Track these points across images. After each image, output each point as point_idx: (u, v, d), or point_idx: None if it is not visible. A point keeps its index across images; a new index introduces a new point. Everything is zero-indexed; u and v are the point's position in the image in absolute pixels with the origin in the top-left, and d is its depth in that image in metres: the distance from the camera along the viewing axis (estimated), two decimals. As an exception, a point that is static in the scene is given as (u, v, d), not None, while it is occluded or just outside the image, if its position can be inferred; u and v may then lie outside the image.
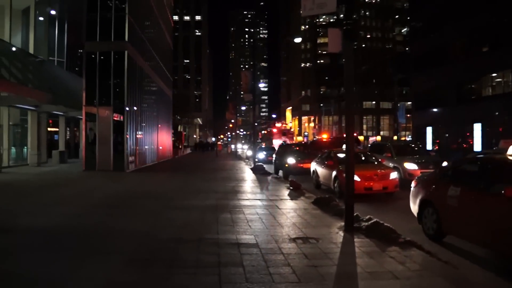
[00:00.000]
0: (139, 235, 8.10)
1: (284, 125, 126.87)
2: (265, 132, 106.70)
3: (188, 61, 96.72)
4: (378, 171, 14.10)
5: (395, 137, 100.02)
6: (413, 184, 9.38)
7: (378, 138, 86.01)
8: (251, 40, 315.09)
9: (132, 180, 20.07)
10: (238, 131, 71.30)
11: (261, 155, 35.09)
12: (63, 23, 30.75)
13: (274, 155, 26.84)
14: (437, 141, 46.32)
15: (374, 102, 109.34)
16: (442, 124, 47.38)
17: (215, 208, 11.25)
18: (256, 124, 36.56)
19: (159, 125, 37.00)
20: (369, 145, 22.88)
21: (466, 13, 39.66)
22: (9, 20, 24.36)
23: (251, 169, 25.96)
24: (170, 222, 9.31)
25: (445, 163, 16.60)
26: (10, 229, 8.43)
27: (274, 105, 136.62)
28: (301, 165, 20.95)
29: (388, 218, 9.43)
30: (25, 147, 26.72)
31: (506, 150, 8.84)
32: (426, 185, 8.80)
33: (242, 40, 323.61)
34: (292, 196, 13.82)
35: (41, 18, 27.98)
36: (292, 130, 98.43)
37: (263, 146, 45.21)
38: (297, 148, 25.55)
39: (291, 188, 15.50)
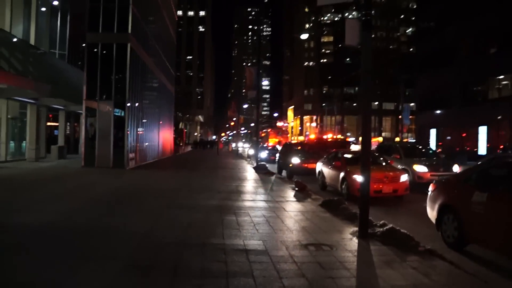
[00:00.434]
0: (138, 236, 7.55)
1: (285, 124, 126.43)
2: (265, 131, 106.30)
3: (191, 57, 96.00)
4: (388, 173, 13.53)
5: (397, 139, 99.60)
6: (431, 188, 8.81)
7: (380, 139, 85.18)
8: (255, 38, 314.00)
9: (131, 178, 19.50)
10: (239, 130, 70.72)
11: (263, 154, 34.54)
12: (66, 15, 30.16)
13: (277, 155, 26.29)
14: (440, 143, 45.83)
15: (376, 103, 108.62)
16: (446, 126, 46.89)
17: (219, 209, 10.69)
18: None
19: (161, 122, 36.44)
20: (376, 146, 22.27)
21: (473, 14, 39.20)
22: (10, 10, 23.70)
23: (254, 168, 25.41)
24: (171, 223, 8.77)
25: (456, 166, 16.07)
26: (-1, 227, 7.90)
27: (275, 104, 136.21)
28: (306, 165, 20.42)
29: (400, 223, 8.90)
30: (24, 141, 26.16)
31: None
32: (446, 190, 8.25)
33: (245, 37, 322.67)
34: (298, 198, 13.26)
35: (43, 9, 27.37)
36: (286, 130, 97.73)
37: (265, 145, 44.60)
38: (300, 147, 25.01)
39: (296, 189, 14.95)
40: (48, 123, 31.62)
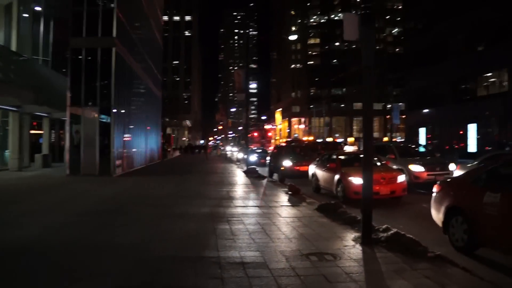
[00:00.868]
0: (128, 251, 6.98)
1: (273, 126, 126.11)
2: (251, 135, 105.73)
3: (177, 62, 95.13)
4: (385, 174, 13.06)
5: (385, 138, 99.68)
6: (435, 188, 8.35)
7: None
8: (241, 42, 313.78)
9: (118, 186, 18.83)
10: (228, 133, 70.15)
11: (253, 157, 34.02)
12: (49, 21, 29.37)
13: (268, 158, 25.78)
14: (429, 142, 45.68)
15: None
16: (435, 125, 46.82)
17: (210, 217, 10.14)
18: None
19: (148, 127, 35.76)
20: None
21: (461, 12, 39.09)
22: (-11, 17, 23.02)
23: (244, 172, 24.87)
24: (161, 235, 8.18)
25: (452, 165, 15.68)
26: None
27: (263, 107, 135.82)
28: (298, 168, 20.01)
29: (402, 227, 8.45)
30: (6, 150, 25.35)
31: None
32: (452, 191, 7.79)
33: (231, 41, 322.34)
34: (293, 202, 12.76)
35: (25, 15, 26.56)
36: (270, 134, 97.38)
37: (254, 148, 44.08)
38: (291, 150, 24.55)
39: (289, 193, 14.45)
40: (32, 131, 30.79)
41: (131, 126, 28.18)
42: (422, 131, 49.31)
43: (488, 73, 38.45)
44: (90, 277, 5.67)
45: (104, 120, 23.08)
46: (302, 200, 13.01)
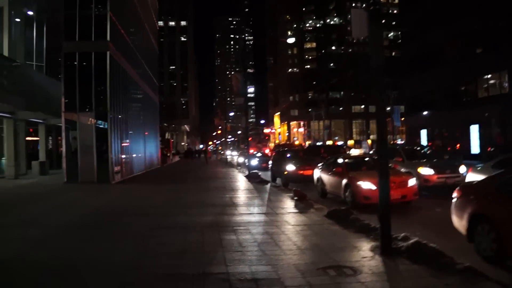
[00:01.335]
0: (124, 269, 6.34)
1: (272, 130, 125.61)
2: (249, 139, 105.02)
3: (174, 67, 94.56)
4: (395, 177, 12.35)
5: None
6: (456, 194, 7.77)
7: (369, 141, 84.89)
8: (237, 47, 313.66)
9: (117, 193, 18.24)
10: (226, 138, 69.59)
11: (254, 161, 33.36)
12: (42, 26, 28.79)
13: (270, 162, 25.16)
14: (429, 143, 45.20)
15: (362, 106, 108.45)
16: (436, 126, 46.43)
17: (215, 226, 9.53)
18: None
19: (146, 133, 35.14)
20: (375, 150, 21.21)
21: (458, 16, 38.78)
22: (-20, 22, 22.42)
23: (246, 177, 24.26)
24: (163, 248, 7.52)
25: (462, 167, 15.11)
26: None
27: (261, 111, 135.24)
28: (302, 172, 19.36)
29: (419, 233, 7.84)
30: (2, 158, 24.72)
31: None
32: (476, 197, 7.21)
33: (227, 46, 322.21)
34: (300, 208, 12.15)
35: (17, 20, 26.03)
36: (265, 138, 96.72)
37: (255, 153, 43.44)
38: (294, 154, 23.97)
39: (295, 198, 13.84)
40: (30, 138, 30.22)
41: (129, 132, 27.58)
42: (424, 133, 48.91)
43: (488, 75, 38.17)
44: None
45: (101, 126, 22.50)
46: (310, 206, 12.41)
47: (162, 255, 7.07)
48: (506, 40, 33.18)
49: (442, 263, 6.16)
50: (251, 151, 45.19)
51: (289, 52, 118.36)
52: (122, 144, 25.17)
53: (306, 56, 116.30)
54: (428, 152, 17.80)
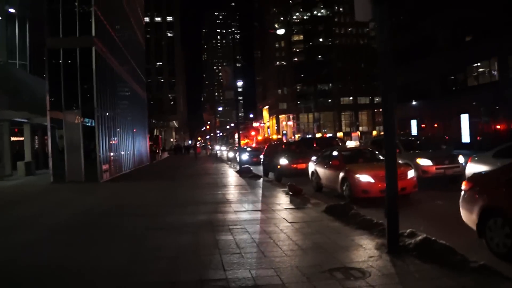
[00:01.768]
0: (112, 277, 5.84)
1: (261, 124, 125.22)
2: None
3: (161, 63, 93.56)
4: (393, 169, 12.02)
5: (374, 132, 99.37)
6: (464, 186, 7.37)
7: (358, 133, 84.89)
8: (224, 42, 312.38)
9: (106, 192, 17.70)
10: (215, 132, 69.02)
11: (245, 156, 32.95)
12: (25, 23, 28.04)
13: (262, 156, 24.73)
14: (429, 134, 45.05)
15: (351, 98, 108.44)
16: (426, 116, 46.29)
17: (209, 225, 9.08)
18: (233, 124, 34.40)
19: (135, 130, 34.50)
20: (371, 141, 20.88)
21: (448, 4, 38.51)
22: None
23: (237, 172, 23.82)
24: (155, 252, 7.04)
25: (461, 157, 14.79)
26: None
27: (249, 105, 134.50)
28: (295, 165, 18.99)
29: (422, 228, 7.41)
30: (-15, 159, 24.06)
31: None
32: (488, 189, 6.82)
33: (214, 41, 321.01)
34: (296, 204, 11.73)
35: (-2, 17, 25.31)
36: (253, 133, 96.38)
37: (245, 147, 42.96)
38: (286, 147, 23.56)
39: (290, 193, 13.43)
40: (15, 138, 29.48)
41: (117, 129, 26.97)
42: (414, 123, 48.79)
43: (478, 63, 38.04)
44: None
45: (88, 124, 21.89)
46: (306, 201, 12.01)
47: (155, 259, 6.59)
48: (496, 28, 33.00)
49: (455, 262, 5.78)
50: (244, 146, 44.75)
51: (277, 45, 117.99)
52: (110, 142, 24.58)
53: (294, 49, 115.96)
54: (425, 142, 17.30)
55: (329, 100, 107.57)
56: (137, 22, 39.91)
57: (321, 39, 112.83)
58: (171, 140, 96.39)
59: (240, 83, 32.19)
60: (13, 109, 21.99)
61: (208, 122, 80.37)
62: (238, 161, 29.53)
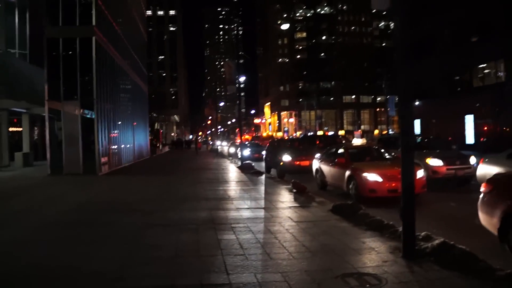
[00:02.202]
0: (104, 281, 5.32)
1: (263, 121, 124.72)
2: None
3: (163, 57, 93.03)
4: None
5: (376, 131, 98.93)
6: (484, 188, 6.88)
7: (360, 131, 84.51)
8: (226, 37, 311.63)
9: (104, 186, 17.24)
10: (216, 128, 68.54)
11: (246, 152, 32.45)
12: (25, 11, 27.44)
13: (264, 152, 24.26)
14: (437, 134, 44.53)
15: (353, 96, 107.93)
16: (430, 116, 45.75)
17: (211, 223, 8.60)
18: (234, 120, 33.90)
19: (135, 123, 34.02)
20: (378, 139, 20.40)
21: (454, 3, 37.94)
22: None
23: (239, 168, 23.36)
24: (152, 252, 6.52)
25: (473, 158, 14.30)
26: None
27: (250, 102, 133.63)
28: (298, 162, 18.50)
29: (434, 231, 6.97)
30: (-18, 149, 23.59)
31: None
32: (510, 190, 6.34)
33: (216, 37, 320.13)
34: (301, 202, 11.26)
35: (-3, 5, 24.74)
36: (253, 129, 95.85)
37: (246, 143, 42.46)
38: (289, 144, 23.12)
39: (294, 191, 12.96)
40: (14, 129, 29.02)
41: (117, 122, 26.49)
42: (417, 123, 48.24)
43: (483, 64, 37.51)
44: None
45: (87, 116, 21.41)
46: (311, 200, 11.54)
47: (152, 261, 6.09)
48: (503, 29, 32.47)
49: (478, 269, 5.31)
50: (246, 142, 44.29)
51: (280, 42, 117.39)
52: (110, 135, 24.11)
53: (297, 46, 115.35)
54: (434, 141, 16.70)
55: (331, 98, 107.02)
56: (139, 15, 39.42)
57: (324, 37, 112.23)
58: (172, 134, 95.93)
59: (242, 78, 31.72)
60: (11, 98, 21.48)
61: (210, 117, 79.81)
62: (239, 156, 29.04)
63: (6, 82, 20.79)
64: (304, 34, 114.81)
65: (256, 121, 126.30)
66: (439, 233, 6.95)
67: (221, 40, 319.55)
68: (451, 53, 39.26)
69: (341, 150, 13.80)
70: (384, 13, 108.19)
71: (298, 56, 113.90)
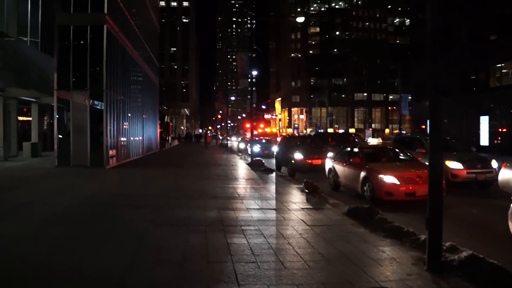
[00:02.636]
0: (107, 286, 4.95)
1: (273, 116, 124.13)
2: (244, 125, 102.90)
3: (175, 49, 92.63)
4: (421, 172, 10.94)
5: (387, 130, 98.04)
6: (516, 195, 6.40)
7: (370, 130, 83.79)
8: (239, 31, 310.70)
9: (111, 179, 16.88)
10: (226, 122, 68.10)
11: (256, 148, 32.02)
12: (37, -1, 27.18)
13: (273, 149, 23.80)
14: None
15: (365, 94, 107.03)
16: (445, 116, 44.98)
17: (220, 224, 8.15)
18: (244, 115, 33.44)
19: (145, 115, 33.65)
20: (393, 138, 19.77)
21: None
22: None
23: (248, 164, 22.91)
24: (158, 255, 6.11)
25: (494, 162, 13.73)
26: None
27: (261, 96, 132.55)
28: (310, 161, 18.08)
29: (457, 240, 6.48)
30: (-9, 138, 23.33)
31: None
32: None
33: (229, 30, 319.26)
34: (314, 203, 10.81)
35: (9, -9, 24.44)
36: (261, 125, 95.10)
37: (257, 139, 42.06)
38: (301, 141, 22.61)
39: (306, 191, 12.50)
40: (23, 118, 28.81)
41: (127, 114, 26.12)
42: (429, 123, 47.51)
43: (502, 63, 36.63)
44: None
45: (96, 106, 21.05)
46: (324, 201, 11.09)
47: (156, 264, 5.68)
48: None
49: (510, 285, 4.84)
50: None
51: (292, 36, 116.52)
52: (119, 127, 23.73)
53: (310, 41, 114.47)
54: (452, 143, 16.08)
55: (343, 95, 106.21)
56: (152, 5, 38.96)
57: (337, 32, 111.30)
58: (182, 128, 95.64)
59: (255, 72, 31.22)
60: (20, 87, 21.17)
61: (220, 111, 79.34)
62: (249, 153, 28.60)
63: (17, 70, 20.49)
64: (318, 29, 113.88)
65: (267, 116, 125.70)
66: (463, 242, 6.46)
67: (234, 33, 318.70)
68: (468, 51, 38.44)
69: (356, 150, 13.30)
70: (400, 9, 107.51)
71: (311, 51, 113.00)
